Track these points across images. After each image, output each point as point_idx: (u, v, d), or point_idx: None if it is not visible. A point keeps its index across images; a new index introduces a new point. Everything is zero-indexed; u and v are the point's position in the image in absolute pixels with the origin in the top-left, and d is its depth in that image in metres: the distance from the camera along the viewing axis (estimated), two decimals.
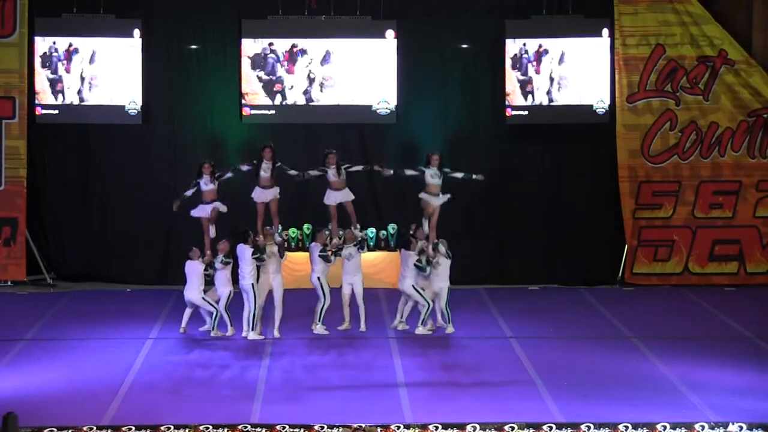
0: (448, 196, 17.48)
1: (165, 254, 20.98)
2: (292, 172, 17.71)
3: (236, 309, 17.16)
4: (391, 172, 17.88)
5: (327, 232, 17.57)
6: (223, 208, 17.58)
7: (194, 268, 17.03)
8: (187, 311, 17.16)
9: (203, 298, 16.99)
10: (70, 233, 21.15)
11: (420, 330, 17.17)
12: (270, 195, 17.64)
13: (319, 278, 17.14)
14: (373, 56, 20.49)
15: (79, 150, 21.08)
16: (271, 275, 17.08)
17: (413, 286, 17.02)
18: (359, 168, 17.93)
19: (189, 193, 17.51)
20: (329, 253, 17.18)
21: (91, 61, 20.31)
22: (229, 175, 17.66)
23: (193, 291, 17.00)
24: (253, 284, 16.87)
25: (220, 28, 20.95)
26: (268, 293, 17.16)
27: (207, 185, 17.43)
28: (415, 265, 16.96)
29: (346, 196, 17.73)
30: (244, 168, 17.66)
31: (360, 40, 20.51)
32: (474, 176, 17.65)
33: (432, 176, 17.48)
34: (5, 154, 20.40)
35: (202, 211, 17.51)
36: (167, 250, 20.95)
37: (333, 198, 17.73)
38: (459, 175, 17.60)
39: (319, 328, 17.15)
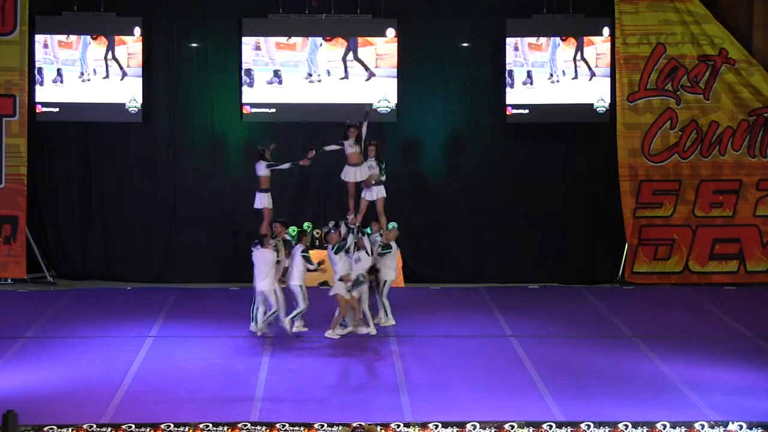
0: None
1: (165, 252, 21.00)
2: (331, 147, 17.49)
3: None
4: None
5: (333, 229, 17.19)
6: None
7: (266, 257, 16.50)
8: (261, 309, 16.63)
9: (274, 290, 16.53)
10: (71, 231, 21.14)
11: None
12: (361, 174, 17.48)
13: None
14: (373, 54, 20.50)
15: (80, 148, 21.08)
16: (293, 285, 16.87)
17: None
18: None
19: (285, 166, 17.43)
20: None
21: (92, 58, 20.33)
22: (284, 166, 17.53)
23: (266, 281, 16.43)
24: (300, 285, 16.56)
25: (220, 27, 20.96)
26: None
27: (263, 171, 17.28)
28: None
29: (362, 172, 17.46)
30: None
31: (360, 38, 20.52)
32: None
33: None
34: (6, 152, 20.38)
35: (261, 201, 17.34)
36: (167, 248, 20.97)
37: (350, 174, 17.48)
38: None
39: (331, 333, 16.87)
